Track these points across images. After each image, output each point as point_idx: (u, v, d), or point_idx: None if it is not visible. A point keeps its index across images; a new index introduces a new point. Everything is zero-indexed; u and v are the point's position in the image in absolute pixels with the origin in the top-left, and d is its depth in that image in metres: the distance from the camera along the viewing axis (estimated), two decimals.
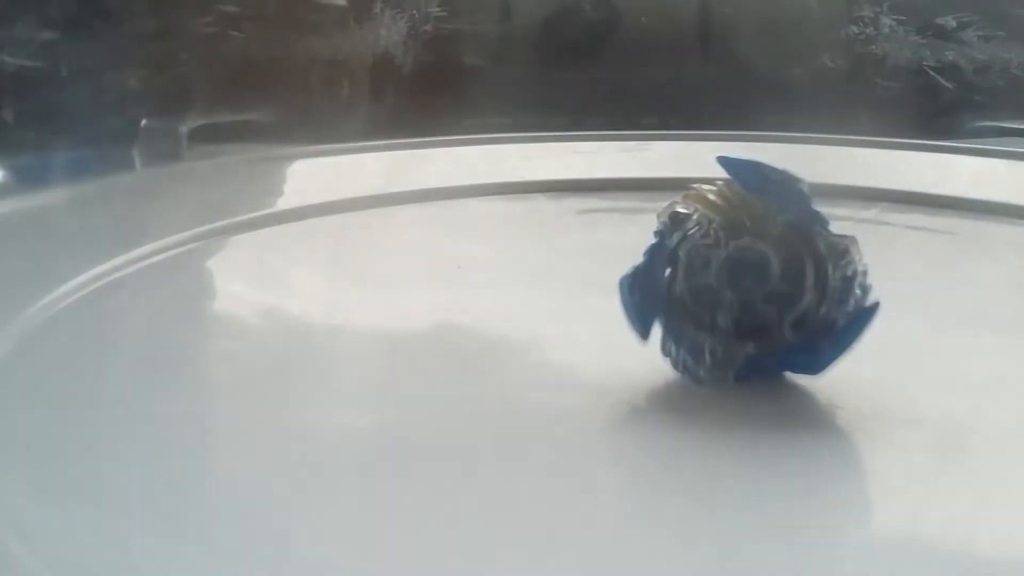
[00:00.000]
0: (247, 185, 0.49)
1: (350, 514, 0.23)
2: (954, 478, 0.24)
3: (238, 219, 0.42)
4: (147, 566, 0.21)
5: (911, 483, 0.24)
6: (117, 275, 0.36)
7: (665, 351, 0.27)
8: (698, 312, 0.27)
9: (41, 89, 0.53)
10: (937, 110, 0.63)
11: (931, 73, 0.63)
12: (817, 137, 0.53)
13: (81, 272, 0.35)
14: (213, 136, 0.57)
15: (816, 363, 0.27)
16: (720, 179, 0.27)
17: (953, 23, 0.64)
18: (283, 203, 0.46)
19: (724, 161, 0.27)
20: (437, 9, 0.65)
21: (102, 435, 0.26)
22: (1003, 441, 0.26)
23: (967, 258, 0.41)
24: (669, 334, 0.27)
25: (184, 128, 0.56)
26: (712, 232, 0.26)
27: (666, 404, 0.27)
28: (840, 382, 0.27)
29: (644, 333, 0.27)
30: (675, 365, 0.27)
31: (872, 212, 0.44)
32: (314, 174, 0.51)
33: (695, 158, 0.42)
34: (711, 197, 0.27)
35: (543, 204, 0.46)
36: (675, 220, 0.27)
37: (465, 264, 0.38)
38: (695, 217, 0.27)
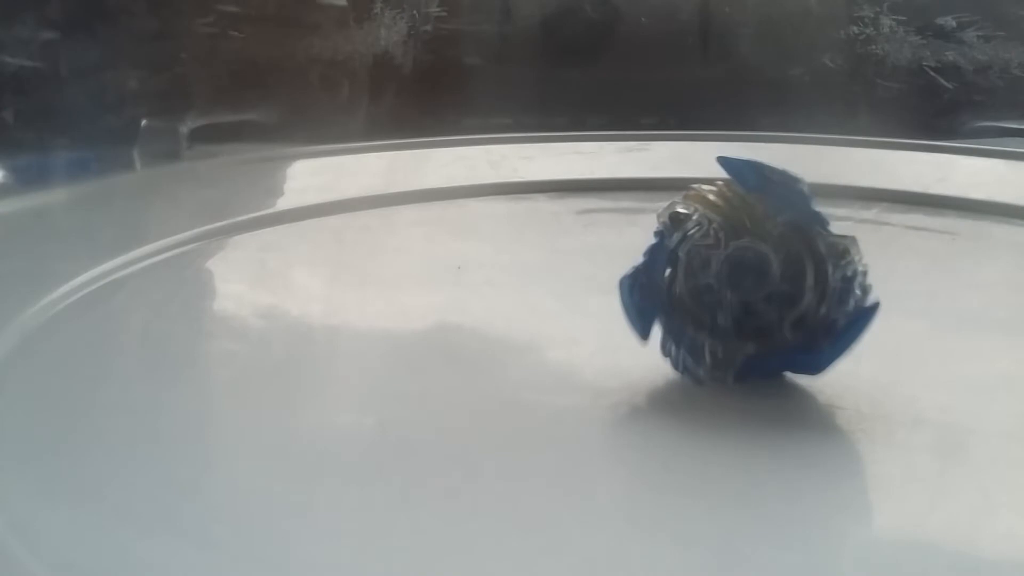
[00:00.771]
0: (247, 185, 0.49)
1: (350, 514, 0.23)
2: (954, 478, 0.24)
3: (238, 219, 0.42)
4: (147, 566, 0.21)
5: (911, 483, 0.24)
6: (117, 275, 0.36)
7: (665, 351, 0.27)
8: (698, 312, 0.27)
9: (41, 89, 0.53)
10: (937, 110, 0.63)
11: (931, 73, 0.63)
12: (817, 137, 0.53)
13: (81, 272, 0.35)
14: (213, 136, 0.57)
15: (816, 363, 0.27)
16: (720, 179, 0.27)
17: (953, 23, 0.64)
18: (283, 203, 0.46)
19: (724, 161, 0.27)
20: (437, 9, 0.65)
21: (102, 435, 0.26)
22: (1003, 441, 0.26)
23: (967, 258, 0.41)
24: (669, 334, 0.27)
25: (184, 128, 0.56)
26: (712, 232, 0.26)
27: (666, 404, 0.27)
28: (840, 382, 0.27)
29: (644, 333, 0.27)
30: (675, 365, 0.27)
31: (872, 212, 0.44)
32: (314, 174, 0.51)
33: (695, 158, 0.42)
34: (711, 197, 0.27)
35: (543, 204, 0.46)
36: (675, 220, 0.27)
37: (465, 264, 0.38)
38: (695, 217, 0.27)
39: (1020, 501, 0.23)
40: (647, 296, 0.27)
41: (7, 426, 0.26)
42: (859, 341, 0.26)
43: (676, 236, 0.27)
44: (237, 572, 0.21)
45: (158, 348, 0.31)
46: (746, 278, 0.26)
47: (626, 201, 0.46)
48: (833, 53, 0.65)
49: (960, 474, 0.25)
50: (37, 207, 0.43)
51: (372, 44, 0.63)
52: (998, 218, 0.43)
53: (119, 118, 0.55)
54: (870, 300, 0.26)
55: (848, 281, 0.26)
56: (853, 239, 0.26)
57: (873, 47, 0.64)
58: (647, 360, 0.27)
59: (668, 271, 0.27)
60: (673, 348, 0.27)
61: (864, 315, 0.26)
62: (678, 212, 0.27)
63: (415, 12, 0.64)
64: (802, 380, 0.27)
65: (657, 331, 0.27)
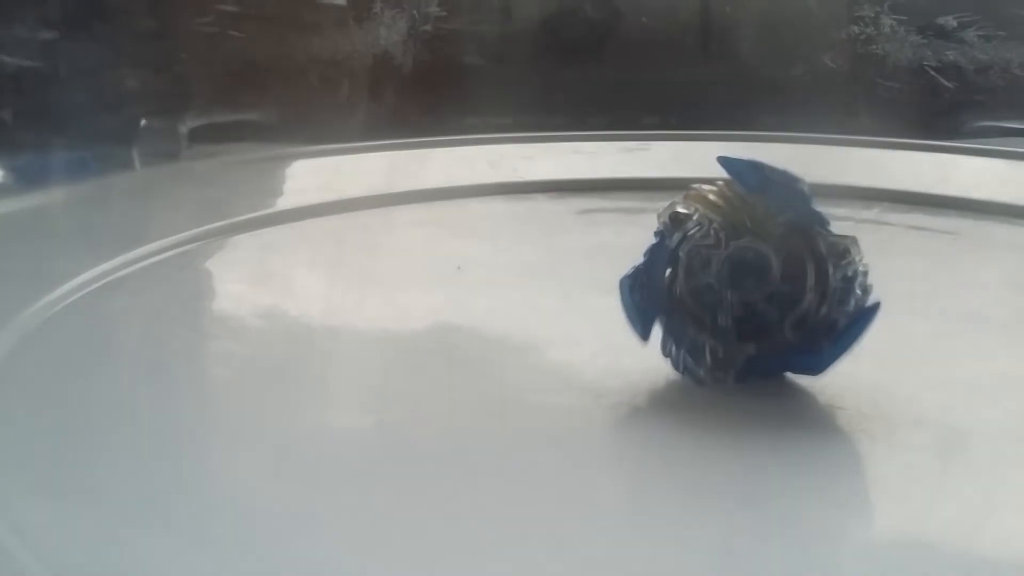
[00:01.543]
0: (247, 185, 0.49)
1: (350, 514, 0.23)
2: (954, 478, 0.24)
3: (238, 219, 0.42)
4: (147, 566, 0.21)
5: (911, 483, 0.24)
6: (116, 275, 0.36)
7: (665, 351, 0.27)
8: (698, 312, 0.27)
9: (40, 89, 0.53)
10: (938, 110, 0.63)
11: (932, 73, 0.63)
12: (818, 137, 0.53)
13: (80, 272, 0.35)
14: (212, 136, 0.57)
15: (817, 363, 0.27)
16: (720, 179, 0.27)
17: (954, 23, 0.64)
18: (283, 203, 0.46)
19: (724, 161, 0.27)
20: (437, 9, 0.65)
21: (102, 435, 0.26)
22: (1003, 441, 0.26)
23: (968, 258, 0.41)
24: (669, 334, 0.27)
25: (183, 128, 0.56)
26: (712, 232, 0.26)
27: (666, 404, 0.27)
28: (840, 382, 0.27)
29: (644, 333, 0.27)
30: (675, 365, 0.27)
31: (873, 212, 0.44)
32: (314, 174, 0.51)
33: (695, 158, 0.42)
34: (711, 197, 0.27)
35: (543, 204, 0.46)
36: (675, 220, 0.27)
37: (465, 264, 0.38)
38: (695, 217, 0.27)
39: (1020, 501, 0.23)
40: (647, 296, 0.27)
41: (6, 425, 0.26)
42: (860, 341, 0.26)
43: (676, 236, 0.27)
44: (237, 572, 0.21)
45: (157, 348, 0.31)
46: (747, 278, 0.26)
47: (626, 201, 0.46)
48: (834, 53, 0.65)
49: (960, 474, 0.25)
50: (36, 207, 0.43)
51: (372, 44, 0.63)
52: (999, 218, 0.43)
53: (118, 118, 0.55)
54: (871, 300, 0.26)
55: (849, 281, 0.26)
56: (854, 239, 0.26)
57: (874, 47, 0.64)
58: (647, 360, 0.27)
59: (668, 271, 0.27)
60: (673, 348, 0.27)
61: (865, 315, 0.26)
62: (678, 212, 0.27)
63: (415, 12, 0.64)
64: (802, 380, 0.27)
65: (657, 331, 0.27)
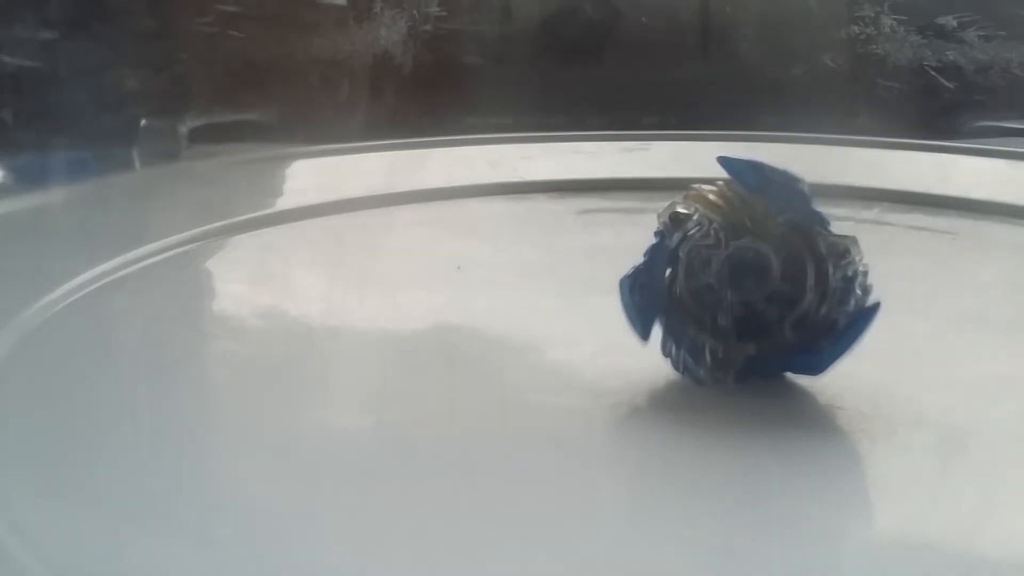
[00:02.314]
0: (247, 185, 0.49)
1: (350, 514, 0.23)
2: (955, 478, 0.24)
3: (237, 219, 0.42)
4: (146, 567, 0.21)
5: (912, 483, 0.24)
6: (116, 275, 0.36)
7: (665, 351, 0.27)
8: (698, 312, 0.27)
9: (40, 89, 0.53)
10: (938, 110, 0.63)
11: (932, 73, 0.63)
12: (818, 137, 0.53)
13: (80, 272, 0.35)
14: (212, 136, 0.57)
15: (817, 363, 0.27)
16: (720, 179, 0.27)
17: (954, 23, 0.64)
18: (283, 203, 0.46)
19: (724, 161, 0.27)
20: (437, 9, 0.65)
21: (101, 435, 0.26)
22: (1004, 441, 0.26)
23: (968, 258, 0.41)
24: (669, 334, 0.27)
25: (183, 128, 0.56)
26: (712, 232, 0.26)
27: (666, 404, 0.27)
28: (841, 382, 0.27)
29: (644, 333, 0.27)
30: (675, 365, 0.27)
31: (873, 212, 0.44)
32: (314, 174, 0.51)
33: (695, 158, 0.42)
34: (711, 197, 0.27)
35: (543, 204, 0.46)
36: (675, 220, 0.27)
37: (465, 264, 0.38)
38: (695, 217, 0.27)
39: (1020, 501, 0.23)
40: (647, 296, 0.27)
41: (6, 426, 0.26)
42: (860, 341, 0.26)
43: (676, 236, 0.27)
44: (237, 572, 0.21)
45: (157, 348, 0.31)
46: (747, 278, 0.26)
47: (626, 201, 0.46)
48: (834, 53, 0.65)
49: (961, 474, 0.25)
50: (36, 207, 0.43)
51: (372, 44, 0.63)
52: (999, 218, 0.43)
53: (118, 118, 0.55)
54: (871, 300, 0.26)
55: (849, 281, 0.26)
56: (854, 239, 0.26)
57: (874, 47, 0.64)
58: (647, 360, 0.27)
59: (668, 271, 0.27)
60: (673, 348, 0.27)
61: (865, 315, 0.26)
62: (678, 212, 0.27)
63: (415, 11, 0.64)
64: (802, 380, 0.27)
65: (657, 331, 0.27)
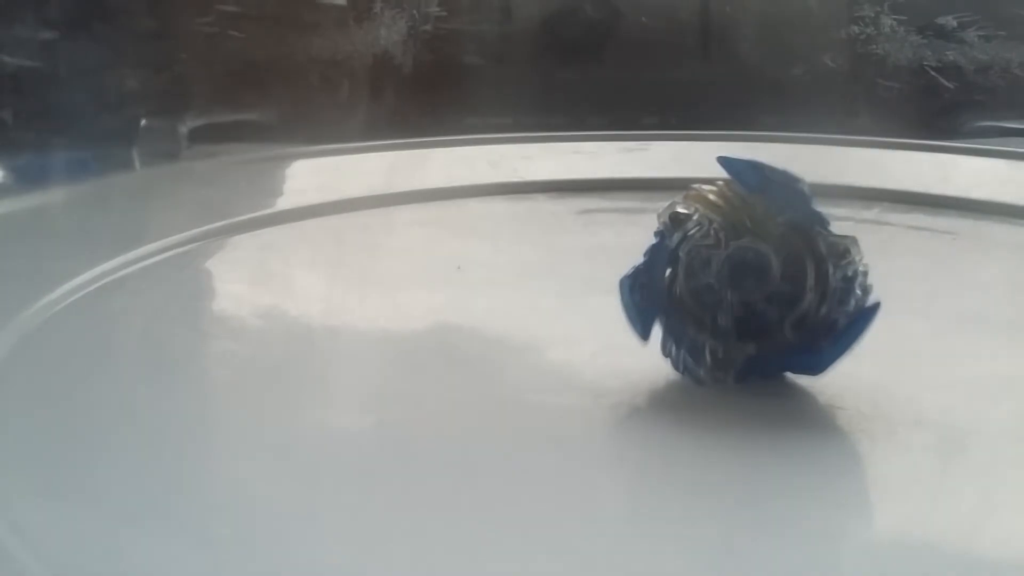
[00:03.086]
0: (247, 185, 0.49)
1: (350, 514, 0.23)
2: (955, 479, 0.24)
3: (237, 219, 0.42)
4: (146, 567, 0.21)
5: (912, 483, 0.24)
6: (116, 275, 0.36)
7: (665, 351, 0.27)
8: (698, 312, 0.27)
9: (40, 89, 0.53)
10: (938, 110, 0.63)
11: (932, 73, 0.63)
12: (818, 137, 0.53)
13: (80, 272, 0.35)
14: (212, 136, 0.57)
15: (817, 363, 0.27)
16: (720, 179, 0.27)
17: (954, 23, 0.64)
18: (283, 203, 0.46)
19: (724, 161, 0.27)
20: (437, 9, 0.65)
21: (101, 435, 0.26)
22: (1004, 441, 0.26)
23: (968, 258, 0.41)
24: (669, 334, 0.27)
25: (183, 128, 0.56)
26: (712, 232, 0.26)
27: (666, 404, 0.27)
28: (841, 382, 0.27)
29: (644, 333, 0.27)
30: (675, 365, 0.27)
31: (873, 212, 0.44)
32: (314, 174, 0.51)
33: (695, 158, 0.42)
34: (711, 197, 0.27)
35: (543, 204, 0.46)
36: (675, 220, 0.27)
37: (465, 264, 0.38)
38: (695, 217, 0.27)
39: (1020, 501, 0.23)
40: (647, 296, 0.27)
41: (6, 426, 0.26)
42: (860, 341, 0.26)
43: (676, 236, 0.27)
44: (237, 572, 0.21)
45: (157, 348, 0.31)
46: (747, 278, 0.26)
47: (626, 201, 0.46)
48: (834, 53, 0.65)
49: (961, 474, 0.25)
50: (36, 207, 0.43)
51: (372, 44, 0.63)
52: (999, 218, 0.43)
53: (118, 118, 0.55)
54: (871, 300, 0.26)
55: (849, 281, 0.26)
56: (854, 239, 0.26)
57: (874, 47, 0.64)
58: (647, 360, 0.27)
59: (668, 271, 0.27)
60: (673, 348, 0.27)
61: (865, 315, 0.26)
62: (678, 212, 0.27)
63: (415, 11, 0.64)
64: (802, 380, 0.27)
65: (657, 331, 0.27)
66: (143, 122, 0.56)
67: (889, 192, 0.45)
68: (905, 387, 0.28)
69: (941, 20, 0.64)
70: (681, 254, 0.27)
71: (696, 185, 0.27)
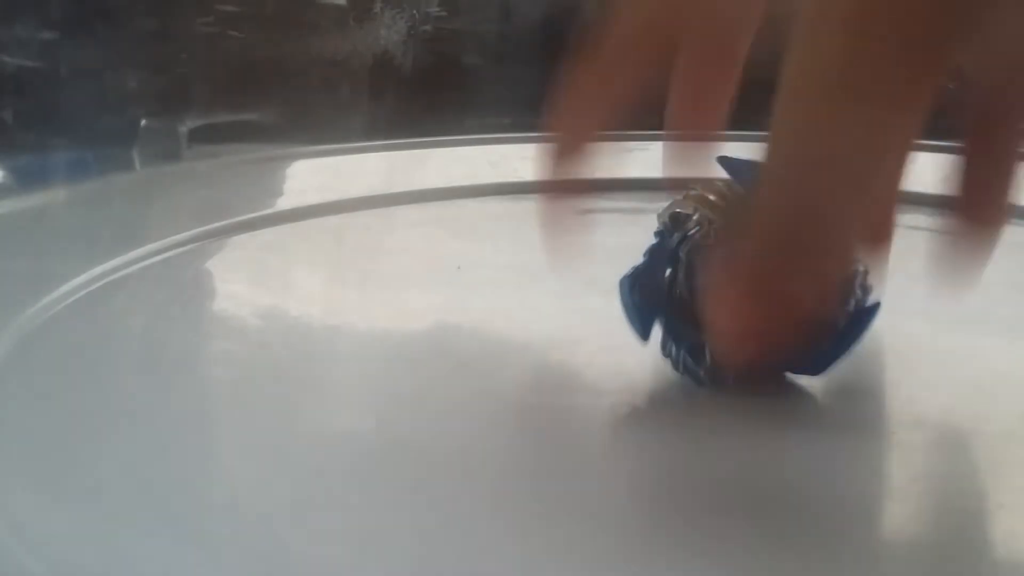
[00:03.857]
0: (247, 185, 0.49)
1: (350, 515, 0.23)
2: (955, 479, 0.24)
3: (238, 219, 0.42)
4: (146, 567, 0.21)
5: (912, 484, 0.24)
6: (116, 275, 0.36)
7: (665, 351, 0.27)
8: (698, 312, 0.27)
9: (41, 89, 0.53)
10: (938, 109, 0.63)
11: None
12: None
13: (80, 272, 0.35)
14: (213, 136, 0.57)
15: (816, 363, 0.27)
16: (720, 179, 0.27)
17: None
18: (283, 203, 0.46)
19: (724, 161, 0.27)
20: (437, 9, 0.65)
21: (102, 435, 0.26)
22: (1004, 442, 0.26)
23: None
24: (669, 334, 0.27)
25: (184, 128, 0.56)
26: (713, 232, 0.26)
27: (666, 405, 0.27)
28: (841, 382, 0.27)
29: (644, 334, 0.27)
30: (675, 366, 0.27)
31: None
32: (314, 174, 0.51)
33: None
34: (711, 197, 0.27)
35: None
36: (675, 220, 0.27)
37: (465, 264, 0.38)
38: (695, 217, 0.27)
39: (1021, 502, 0.23)
40: (647, 296, 0.27)
41: (6, 426, 0.26)
42: (860, 341, 0.26)
43: (676, 236, 0.27)
44: (237, 572, 0.21)
45: (157, 348, 0.31)
46: None
47: (626, 201, 0.46)
48: None
49: (961, 475, 0.25)
50: (36, 207, 0.43)
51: (372, 44, 0.63)
52: None
53: (119, 118, 0.55)
54: (871, 300, 0.26)
55: (849, 281, 0.26)
56: None
57: None
58: (647, 361, 0.27)
59: (668, 271, 0.27)
60: (673, 348, 0.27)
61: (865, 315, 0.26)
62: (678, 212, 0.27)
63: (415, 12, 0.64)
64: (802, 380, 0.27)
65: (658, 331, 0.27)
66: (143, 122, 0.56)
67: None
68: (905, 387, 0.28)
69: None
70: (681, 254, 0.27)
71: (696, 185, 0.27)
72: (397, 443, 0.25)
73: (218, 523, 0.22)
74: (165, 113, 0.56)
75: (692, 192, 0.27)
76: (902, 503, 0.23)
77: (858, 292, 0.26)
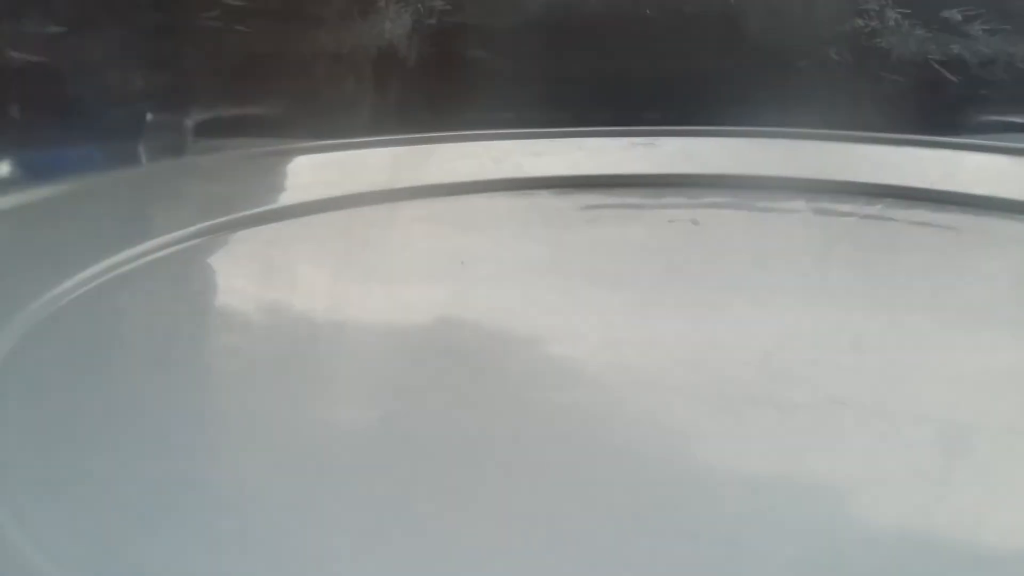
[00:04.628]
0: (252, 180, 0.49)
1: (353, 510, 0.23)
2: (958, 474, 0.24)
3: (243, 214, 0.42)
4: (151, 562, 0.21)
5: (915, 479, 0.24)
6: (122, 270, 0.36)
7: None
8: None
9: (47, 84, 0.53)
10: (942, 104, 0.63)
11: (936, 67, 0.63)
12: (822, 133, 0.53)
13: (86, 267, 0.35)
14: (218, 130, 0.57)
15: None
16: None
17: (959, 16, 0.63)
18: (288, 198, 0.46)
19: None
20: (441, 2, 0.65)
21: (107, 430, 0.26)
22: (1007, 436, 0.26)
23: (971, 254, 0.40)
24: None
25: (189, 122, 0.56)
26: None
27: (669, 400, 0.27)
28: (843, 377, 0.27)
29: None
30: None
31: (876, 208, 0.44)
32: (319, 169, 0.51)
33: (701, 154, 0.42)
34: None
35: (548, 200, 0.46)
36: None
37: (469, 260, 0.38)
38: None
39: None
40: None
41: (12, 420, 0.26)
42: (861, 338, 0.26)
43: None
44: (240, 567, 0.21)
45: (163, 343, 0.32)
46: None
47: (631, 197, 0.46)
48: (838, 46, 0.65)
49: (964, 469, 0.25)
50: (43, 201, 0.43)
51: (377, 38, 0.63)
52: (1002, 214, 0.43)
53: (124, 113, 0.55)
54: None
55: None
56: None
57: (878, 40, 0.64)
58: (651, 356, 0.27)
59: None
60: None
61: None
62: None
63: (419, 5, 0.64)
64: (804, 375, 0.27)
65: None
66: (149, 117, 0.56)
67: (893, 188, 0.45)
68: (908, 382, 0.28)
69: (946, 13, 0.64)
70: None
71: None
72: (401, 438, 0.25)
73: (223, 517, 0.22)
74: (171, 108, 0.56)
75: None
76: (905, 499, 0.23)
77: None
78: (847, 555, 0.21)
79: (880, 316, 0.26)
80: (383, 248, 0.41)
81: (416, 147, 0.53)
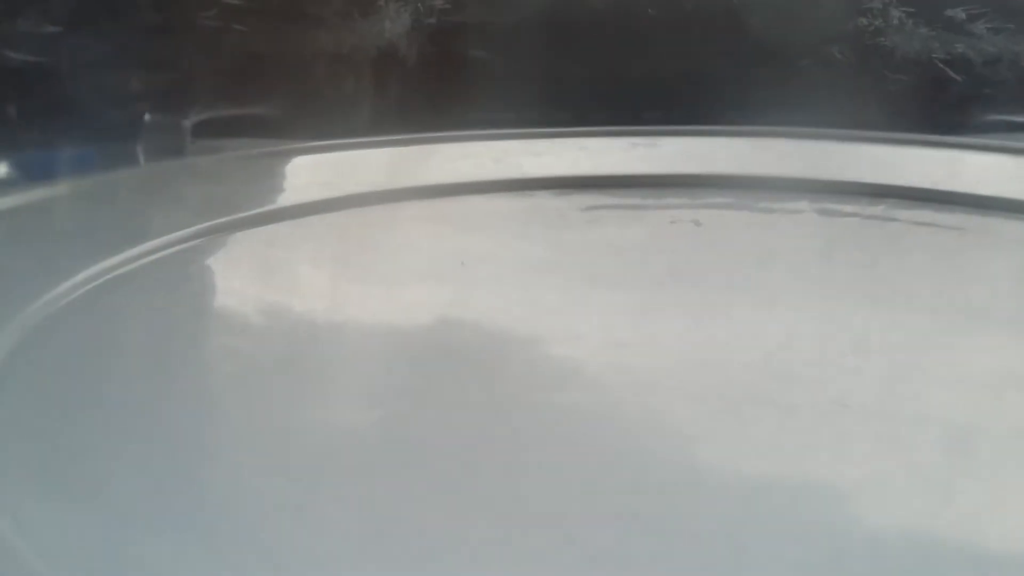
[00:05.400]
0: (251, 181, 0.49)
1: (352, 511, 0.23)
2: (960, 476, 0.24)
3: (242, 215, 0.42)
4: (150, 564, 0.21)
5: (917, 481, 0.24)
6: (120, 271, 0.36)
7: None
8: None
9: (44, 84, 0.53)
10: (946, 103, 0.63)
11: (940, 66, 0.63)
12: (825, 132, 0.53)
13: (84, 268, 0.35)
14: (217, 131, 0.57)
15: None
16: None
17: (963, 15, 0.63)
18: (287, 199, 0.46)
19: None
20: (441, 1, 0.65)
21: (105, 432, 0.26)
22: (1010, 438, 0.25)
23: (975, 254, 0.40)
24: None
25: (187, 123, 0.56)
26: None
27: (669, 401, 0.27)
28: (845, 378, 0.27)
29: None
30: None
31: (880, 208, 0.43)
32: (318, 170, 0.51)
33: (702, 154, 0.42)
34: None
35: (548, 201, 0.46)
36: None
37: (469, 261, 0.38)
38: None
39: None
40: None
41: (10, 423, 0.26)
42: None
43: None
44: (239, 569, 0.21)
45: (161, 344, 0.31)
46: None
47: (632, 198, 0.45)
48: (841, 45, 0.65)
49: (966, 471, 0.24)
50: (40, 202, 0.43)
51: (376, 37, 0.63)
52: (1006, 214, 0.43)
53: (122, 113, 0.55)
54: None
55: None
56: None
57: (882, 39, 0.64)
58: (651, 356, 0.27)
59: None
60: None
61: None
62: None
63: (419, 4, 0.64)
64: (806, 376, 0.27)
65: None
66: (147, 117, 0.56)
67: (897, 188, 0.45)
68: (911, 383, 0.28)
69: (950, 12, 0.63)
70: None
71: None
72: (401, 439, 0.25)
73: (221, 519, 0.22)
74: (169, 108, 0.56)
75: None
76: (906, 501, 0.23)
77: None
78: (850, 557, 0.21)
79: (883, 317, 0.26)
80: (383, 249, 0.40)
81: (416, 147, 0.53)
